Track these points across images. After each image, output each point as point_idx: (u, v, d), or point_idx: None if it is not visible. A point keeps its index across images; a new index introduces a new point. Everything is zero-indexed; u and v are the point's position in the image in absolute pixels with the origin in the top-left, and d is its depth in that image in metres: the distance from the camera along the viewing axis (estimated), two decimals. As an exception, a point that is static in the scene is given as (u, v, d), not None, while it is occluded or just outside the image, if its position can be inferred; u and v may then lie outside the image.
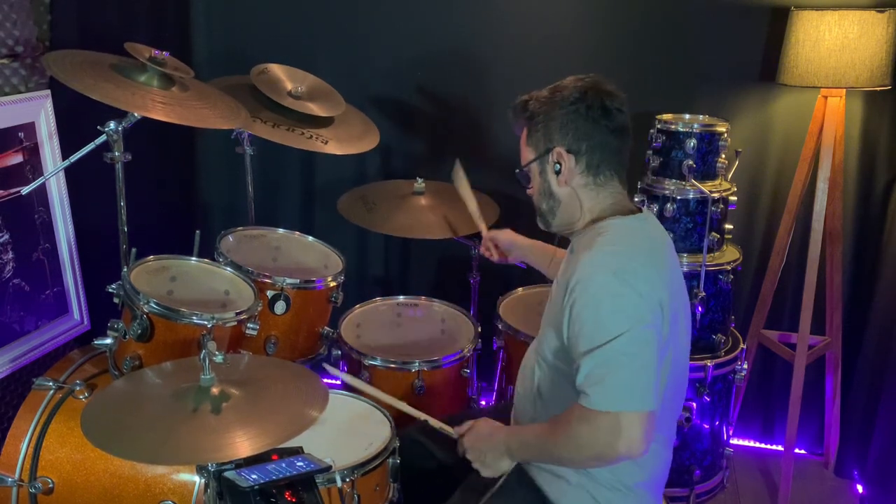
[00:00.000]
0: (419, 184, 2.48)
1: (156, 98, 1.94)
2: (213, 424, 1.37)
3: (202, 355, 1.45)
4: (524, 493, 1.60)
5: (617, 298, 1.42)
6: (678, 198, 2.35)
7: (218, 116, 2.06)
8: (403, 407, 1.75)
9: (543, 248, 2.07)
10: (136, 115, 1.90)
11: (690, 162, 2.32)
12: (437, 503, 1.66)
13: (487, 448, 1.60)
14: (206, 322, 1.77)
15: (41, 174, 2.29)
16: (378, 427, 1.82)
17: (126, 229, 2.04)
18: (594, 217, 1.58)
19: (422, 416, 1.71)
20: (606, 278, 1.43)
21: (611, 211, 1.58)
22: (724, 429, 2.51)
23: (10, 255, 2.25)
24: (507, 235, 2.16)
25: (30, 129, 2.29)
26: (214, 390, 1.44)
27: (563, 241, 1.74)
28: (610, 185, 1.59)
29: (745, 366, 2.48)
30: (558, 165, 1.58)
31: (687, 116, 2.48)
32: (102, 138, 1.93)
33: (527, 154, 1.64)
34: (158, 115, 1.89)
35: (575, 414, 1.42)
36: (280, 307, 2.05)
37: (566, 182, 1.58)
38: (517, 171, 1.66)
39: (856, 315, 2.64)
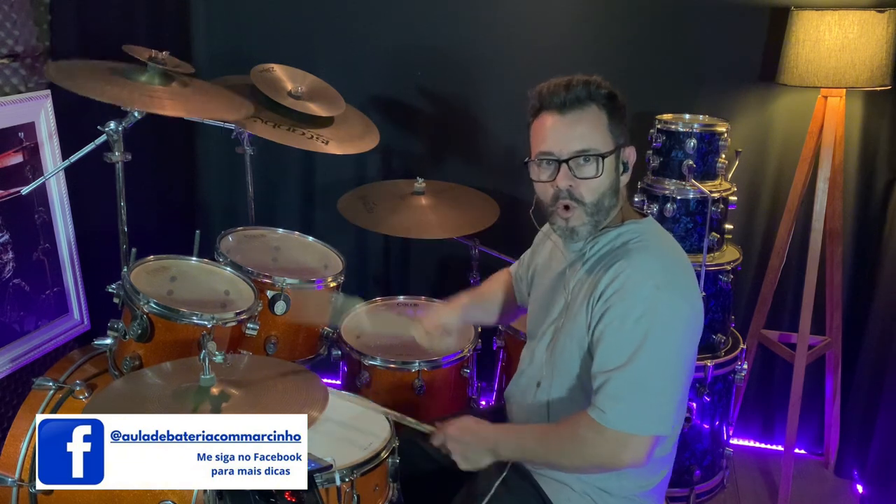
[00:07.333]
0: (419, 184, 2.48)
1: (158, 94, 1.94)
2: (213, 424, 1.37)
3: (202, 355, 1.45)
4: (528, 499, 1.58)
5: (658, 316, 1.37)
6: (678, 198, 2.35)
7: (222, 109, 2.05)
8: (372, 406, 1.74)
9: (483, 296, 1.90)
10: (136, 114, 1.90)
11: (690, 162, 2.32)
12: (436, 504, 1.66)
13: (472, 440, 1.55)
14: (206, 322, 1.77)
15: (41, 174, 2.29)
16: (378, 427, 1.81)
17: (126, 229, 2.04)
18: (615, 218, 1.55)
19: (395, 414, 1.69)
20: (654, 293, 1.39)
21: (626, 212, 1.56)
22: (724, 429, 2.51)
23: (10, 255, 2.24)
24: (442, 314, 1.86)
25: (30, 129, 2.28)
26: (214, 390, 1.44)
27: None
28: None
29: (745, 366, 2.49)
30: (627, 162, 1.54)
31: (687, 116, 2.48)
32: (102, 138, 1.92)
33: (606, 141, 1.48)
34: (166, 111, 1.88)
35: (583, 422, 1.40)
36: (280, 307, 2.05)
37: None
38: (600, 156, 1.46)
39: (856, 315, 2.64)
